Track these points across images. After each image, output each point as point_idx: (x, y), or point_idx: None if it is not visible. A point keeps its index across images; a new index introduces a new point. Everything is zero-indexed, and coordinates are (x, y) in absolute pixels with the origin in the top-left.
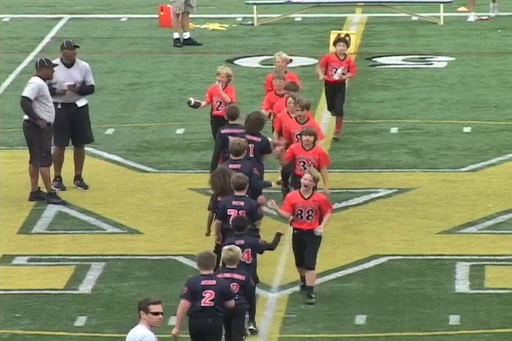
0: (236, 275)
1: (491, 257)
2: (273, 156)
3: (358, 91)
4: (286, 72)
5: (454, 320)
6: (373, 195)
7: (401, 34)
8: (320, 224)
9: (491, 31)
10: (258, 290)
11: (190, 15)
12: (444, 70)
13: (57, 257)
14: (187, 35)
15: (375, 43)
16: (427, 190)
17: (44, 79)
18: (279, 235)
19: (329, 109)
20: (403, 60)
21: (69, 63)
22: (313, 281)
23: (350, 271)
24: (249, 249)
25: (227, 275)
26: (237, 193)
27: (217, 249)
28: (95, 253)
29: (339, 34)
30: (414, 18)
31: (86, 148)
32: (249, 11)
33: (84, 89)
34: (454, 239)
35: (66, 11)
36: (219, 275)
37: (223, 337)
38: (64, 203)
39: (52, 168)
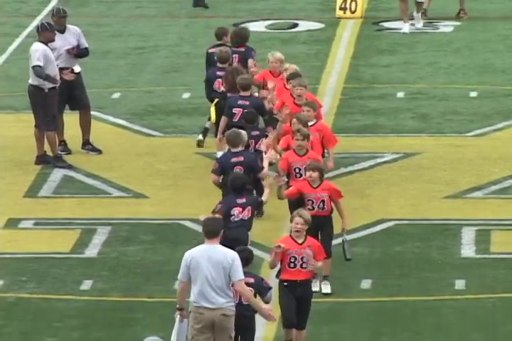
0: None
1: (497, 222)
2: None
3: (364, 55)
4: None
5: (459, 284)
6: (379, 160)
7: None
8: (313, 277)
9: None
10: None
11: None
12: (450, 35)
13: (63, 221)
14: None
15: (381, 7)
16: (432, 155)
17: (46, 44)
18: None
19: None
20: (410, 25)
21: (61, 29)
22: None
23: (356, 235)
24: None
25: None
26: (242, 93)
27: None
28: (101, 217)
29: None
30: None
31: (92, 112)
32: None
33: (80, 52)
34: (460, 204)
35: None
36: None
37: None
38: (70, 167)
39: None
